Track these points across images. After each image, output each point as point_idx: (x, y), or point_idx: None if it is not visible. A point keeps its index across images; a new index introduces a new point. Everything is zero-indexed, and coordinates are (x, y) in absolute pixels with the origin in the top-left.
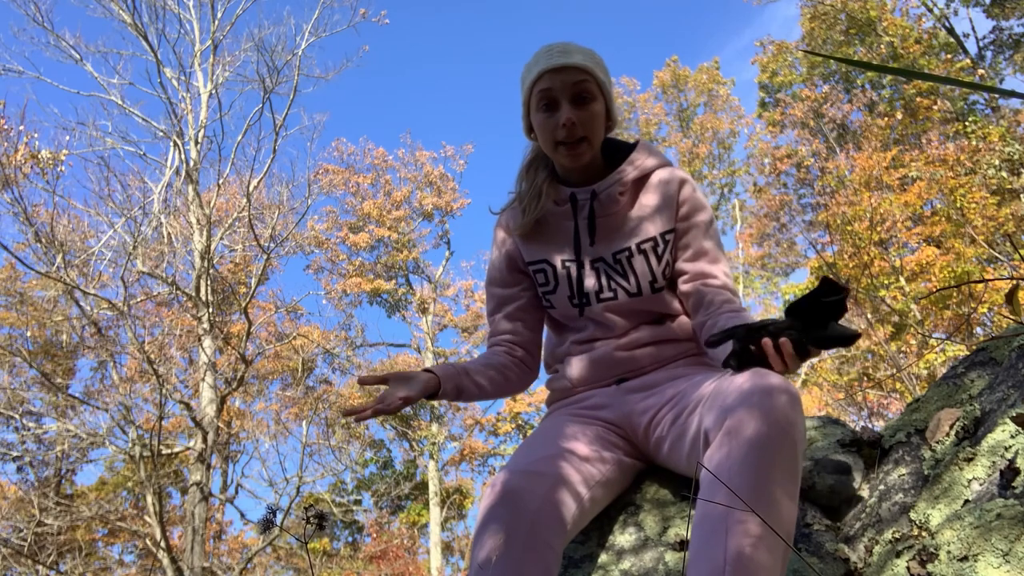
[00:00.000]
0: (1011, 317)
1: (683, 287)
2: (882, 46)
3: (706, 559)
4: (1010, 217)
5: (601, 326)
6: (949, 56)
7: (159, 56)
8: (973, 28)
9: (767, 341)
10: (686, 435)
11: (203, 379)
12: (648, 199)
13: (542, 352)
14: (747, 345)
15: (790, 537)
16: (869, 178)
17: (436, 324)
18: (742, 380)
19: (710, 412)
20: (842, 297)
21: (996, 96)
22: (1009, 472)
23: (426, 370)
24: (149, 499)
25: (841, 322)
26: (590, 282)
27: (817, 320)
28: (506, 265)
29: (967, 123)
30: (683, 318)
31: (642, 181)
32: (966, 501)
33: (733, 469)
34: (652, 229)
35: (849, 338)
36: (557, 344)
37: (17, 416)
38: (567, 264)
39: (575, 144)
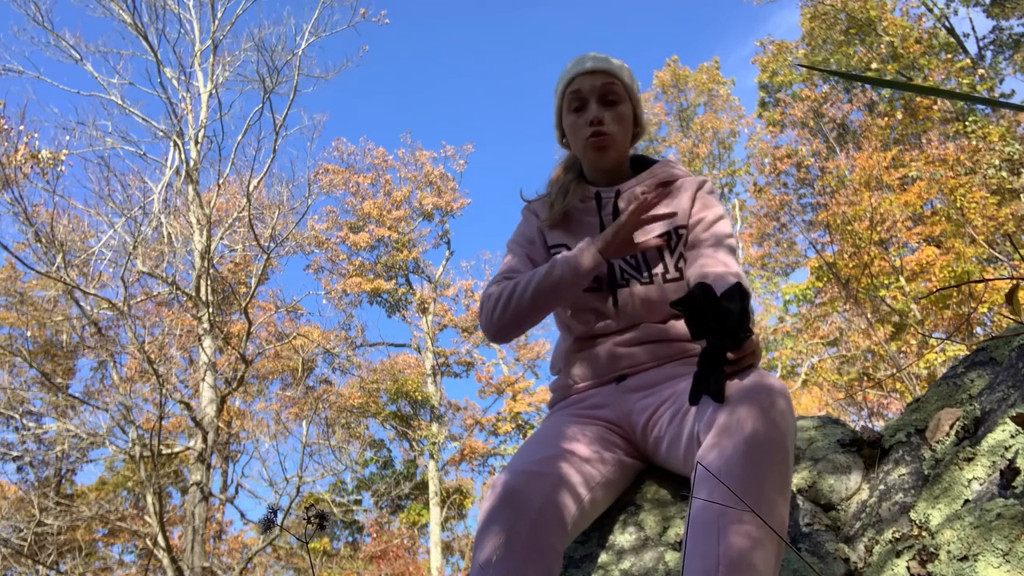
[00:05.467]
0: (1011, 317)
1: (689, 283)
2: (882, 46)
3: (700, 556)
4: (1010, 217)
5: (605, 318)
6: (949, 56)
7: (159, 56)
8: (973, 28)
9: (729, 369)
10: (682, 435)
11: (203, 379)
12: (668, 201)
13: (553, 355)
14: (717, 376)
15: (783, 533)
16: (869, 178)
17: (436, 324)
18: (735, 380)
19: (703, 412)
20: (697, 294)
21: (996, 96)
22: (1009, 472)
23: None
24: (149, 499)
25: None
26: (603, 272)
27: (718, 318)
28: (537, 237)
29: (967, 123)
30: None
31: (666, 186)
32: (966, 501)
33: (725, 467)
34: (668, 225)
35: (741, 300)
36: (563, 343)
37: (17, 416)
38: None
39: (600, 137)
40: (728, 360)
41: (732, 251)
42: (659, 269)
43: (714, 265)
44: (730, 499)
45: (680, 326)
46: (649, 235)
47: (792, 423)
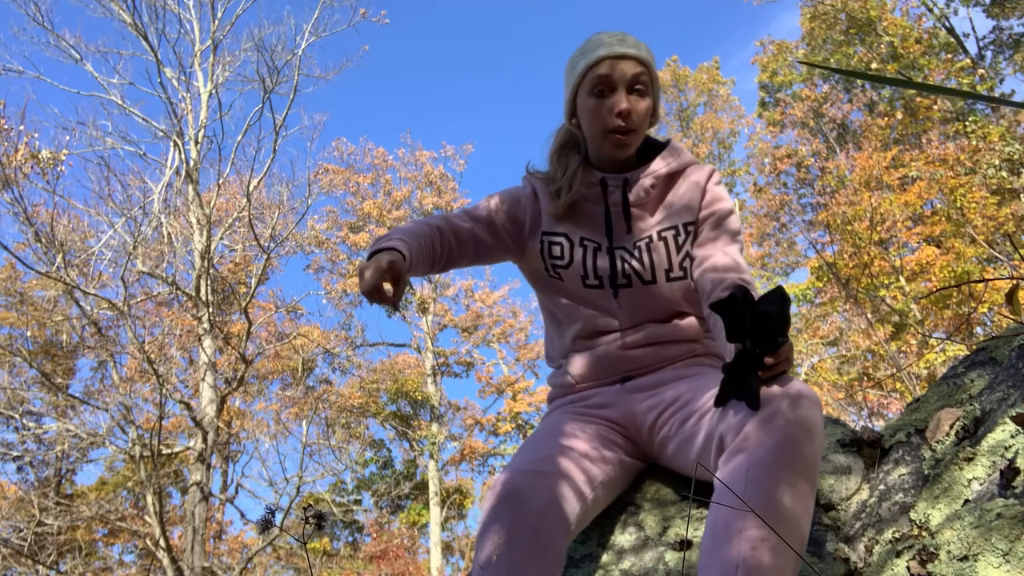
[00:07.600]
0: (1011, 317)
1: (694, 275)
2: (882, 46)
3: (717, 565)
4: (1010, 217)
5: (606, 317)
6: (949, 56)
7: (159, 56)
8: (973, 28)
9: (763, 374)
10: (696, 438)
11: (203, 379)
12: (678, 193)
13: (545, 346)
14: (748, 381)
15: (804, 543)
16: (869, 178)
17: (436, 324)
18: (768, 386)
19: (726, 417)
20: (739, 296)
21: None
22: (1009, 472)
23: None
24: (149, 499)
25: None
26: (604, 266)
27: (757, 322)
28: (530, 213)
29: (967, 123)
30: (690, 318)
31: (674, 177)
32: (966, 501)
33: (748, 475)
34: (676, 219)
35: (781, 304)
36: (558, 338)
37: (17, 416)
38: (586, 242)
39: (625, 134)
40: (763, 365)
41: (741, 248)
42: (664, 267)
43: (724, 261)
44: (752, 507)
45: (684, 326)
46: (654, 229)
47: (821, 433)
